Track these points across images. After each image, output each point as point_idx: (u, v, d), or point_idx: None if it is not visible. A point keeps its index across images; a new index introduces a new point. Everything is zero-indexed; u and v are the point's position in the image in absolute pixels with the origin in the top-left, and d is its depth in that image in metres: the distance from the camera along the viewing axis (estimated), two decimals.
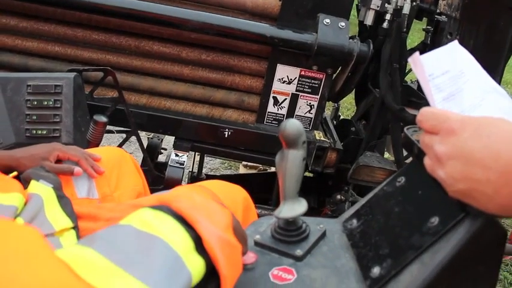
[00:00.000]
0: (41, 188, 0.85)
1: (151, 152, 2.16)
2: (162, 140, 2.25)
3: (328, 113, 2.33)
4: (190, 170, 2.34)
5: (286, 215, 0.77)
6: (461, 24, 1.15)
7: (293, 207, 0.77)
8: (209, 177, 2.37)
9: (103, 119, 1.23)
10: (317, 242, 0.79)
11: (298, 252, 0.75)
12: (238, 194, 0.98)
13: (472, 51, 1.20)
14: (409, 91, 1.68)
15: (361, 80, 1.79)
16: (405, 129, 0.78)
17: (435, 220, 0.64)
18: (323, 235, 0.80)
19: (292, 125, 0.76)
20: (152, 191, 1.61)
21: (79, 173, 0.99)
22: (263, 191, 2.36)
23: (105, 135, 1.50)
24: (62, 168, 0.98)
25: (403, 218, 0.70)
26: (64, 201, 0.84)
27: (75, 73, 1.32)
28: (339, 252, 0.76)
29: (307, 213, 2.00)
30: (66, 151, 1.01)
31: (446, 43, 1.28)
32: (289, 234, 0.78)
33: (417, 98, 1.65)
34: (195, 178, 2.29)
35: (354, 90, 1.91)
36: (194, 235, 0.55)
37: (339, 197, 1.94)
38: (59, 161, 1.01)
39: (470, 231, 0.60)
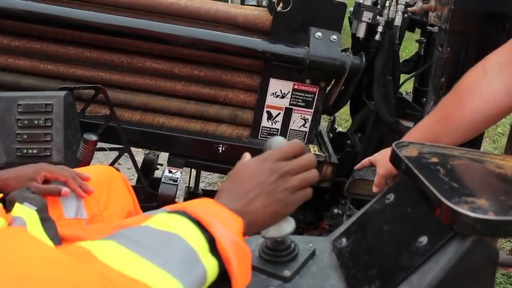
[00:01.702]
0: (24, 211, 0.83)
1: (147, 168, 2.14)
2: (158, 155, 2.24)
3: (325, 124, 2.32)
4: (187, 185, 2.33)
5: (273, 235, 0.75)
6: (451, 36, 1.14)
7: (281, 227, 0.75)
8: (206, 192, 2.35)
9: (93, 137, 1.22)
10: (306, 262, 0.77)
11: (286, 273, 0.73)
12: None
13: (464, 64, 1.20)
14: (404, 103, 1.67)
15: (356, 93, 1.78)
16: (393, 145, 0.77)
17: (424, 240, 0.62)
18: (312, 254, 0.78)
19: (278, 142, 0.74)
20: (146, 208, 1.60)
21: (66, 193, 0.98)
22: None
23: (99, 152, 1.50)
24: (49, 189, 0.96)
25: (392, 237, 0.69)
26: (48, 224, 0.83)
27: (65, 91, 1.32)
28: (327, 272, 0.74)
29: (305, 227, 1.97)
30: (53, 171, 1.00)
31: (438, 55, 1.28)
32: (277, 254, 0.76)
33: (412, 109, 1.64)
34: (192, 193, 2.28)
35: (349, 103, 1.90)
36: (208, 237, 0.57)
37: (336, 211, 1.91)
38: (47, 181, 1.00)
39: (459, 251, 0.58)
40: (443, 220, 0.57)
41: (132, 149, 1.65)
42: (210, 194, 2.37)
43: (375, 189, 1.34)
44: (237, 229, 0.61)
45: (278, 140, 0.74)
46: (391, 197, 0.74)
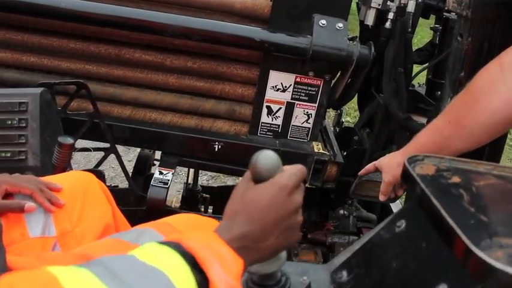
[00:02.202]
0: None
1: (142, 165, 2.03)
2: (155, 151, 2.12)
3: (332, 115, 2.17)
4: (185, 181, 2.21)
5: (260, 270, 0.63)
6: (473, 25, 0.99)
7: (271, 261, 0.63)
8: (205, 188, 2.24)
9: (69, 140, 1.10)
10: None
11: None
12: (210, 228, 0.84)
13: (486, 56, 1.06)
14: (416, 96, 1.52)
15: (364, 85, 1.64)
16: (406, 160, 0.64)
17: None
18: None
19: (265, 159, 0.62)
20: (134, 212, 1.48)
21: (31, 208, 0.86)
22: None
23: (84, 153, 1.38)
24: (9, 205, 0.85)
25: (403, 277, 0.56)
26: None
27: (42, 88, 1.19)
28: None
29: (309, 227, 1.84)
30: (16, 183, 0.88)
31: (456, 46, 1.13)
32: None
33: (425, 104, 1.49)
34: (190, 190, 2.16)
35: (356, 96, 1.76)
36: (200, 279, 0.52)
37: (342, 211, 1.79)
38: (9, 195, 0.88)
39: None
40: (471, 272, 0.45)
41: None
42: (210, 190, 2.25)
43: (381, 197, 1.22)
44: (236, 271, 0.55)
45: (267, 157, 0.62)
46: (402, 224, 0.61)
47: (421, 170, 0.62)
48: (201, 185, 2.23)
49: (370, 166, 1.24)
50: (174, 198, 2.53)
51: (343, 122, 2.08)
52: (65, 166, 1.11)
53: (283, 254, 0.65)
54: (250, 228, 0.58)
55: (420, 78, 1.60)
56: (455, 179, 0.60)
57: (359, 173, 1.29)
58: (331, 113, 2.80)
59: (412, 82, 1.63)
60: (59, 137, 1.10)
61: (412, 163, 0.64)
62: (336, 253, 1.83)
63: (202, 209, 2.19)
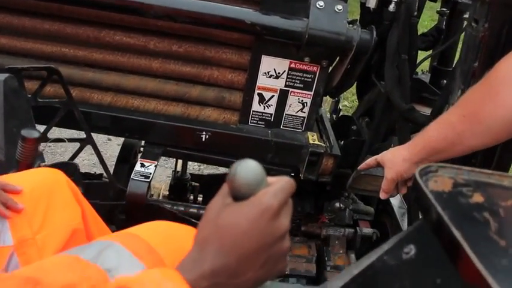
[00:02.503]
0: None
1: (127, 153, 1.92)
2: None
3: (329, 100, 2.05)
4: (174, 168, 2.10)
5: None
6: (491, 9, 0.88)
7: None
8: (194, 177, 2.14)
9: (33, 134, 0.99)
10: None
11: None
12: (185, 240, 0.74)
13: (505, 45, 0.95)
14: (420, 85, 1.41)
15: (364, 71, 1.52)
16: (417, 171, 0.53)
17: None
18: None
19: (246, 171, 0.51)
20: (114, 207, 1.38)
21: None
22: None
23: (59, 144, 1.27)
24: None
25: None
26: None
27: (7, 74, 1.07)
28: None
29: (303, 219, 1.74)
30: None
31: (470, 33, 1.02)
32: None
33: (429, 93, 1.38)
34: (178, 179, 2.06)
35: (356, 81, 1.64)
36: None
37: (337, 204, 1.69)
38: None
39: None
40: None
41: None
42: (199, 179, 2.15)
43: (382, 195, 1.12)
44: None
45: (248, 168, 0.51)
46: (411, 250, 0.51)
47: (435, 185, 0.51)
48: (190, 173, 2.13)
49: (371, 161, 1.14)
50: (163, 185, 2.43)
51: (340, 110, 1.97)
52: (30, 162, 1.00)
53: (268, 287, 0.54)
54: (224, 260, 0.47)
55: (424, 65, 1.49)
56: (477, 198, 0.49)
57: (358, 167, 1.19)
58: (327, 99, 2.68)
59: (416, 70, 1.52)
60: (22, 130, 0.99)
61: (424, 175, 0.53)
62: (331, 246, 1.75)
63: (192, 198, 2.10)
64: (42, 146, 1.21)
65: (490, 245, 0.41)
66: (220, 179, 1.92)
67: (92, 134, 1.33)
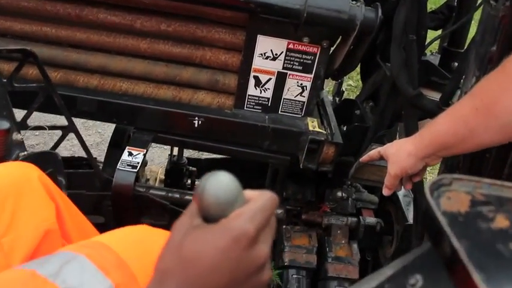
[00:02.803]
0: None
1: (119, 137, 1.83)
2: None
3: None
4: (170, 153, 2.02)
5: None
6: None
7: None
8: (191, 161, 2.06)
9: (2, 125, 0.90)
10: None
11: None
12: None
13: None
14: (428, 67, 1.30)
15: (368, 51, 1.42)
16: (427, 186, 0.44)
17: None
18: None
19: (216, 187, 0.42)
20: (102, 197, 1.30)
21: None
22: (255, 178, 2.05)
23: (42, 132, 1.18)
24: None
25: None
26: None
27: None
28: None
29: (305, 209, 1.66)
30: None
31: (489, 12, 0.91)
32: None
33: (439, 77, 1.28)
34: (175, 163, 1.98)
35: (360, 63, 1.53)
36: None
37: (339, 194, 1.61)
38: None
39: None
40: None
41: None
42: (197, 163, 2.07)
43: (385, 191, 1.04)
44: None
45: (220, 184, 0.42)
46: (417, 282, 0.42)
47: (448, 204, 0.42)
48: (187, 158, 2.05)
49: (374, 153, 1.05)
50: (159, 169, 2.36)
51: (343, 92, 1.87)
52: (1, 155, 0.92)
53: None
54: None
55: (433, 46, 1.38)
56: (501, 222, 0.40)
57: (360, 159, 1.10)
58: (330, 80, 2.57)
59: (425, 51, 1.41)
60: None
61: (435, 190, 0.44)
62: (333, 235, 1.68)
63: (189, 183, 2.02)
64: (21, 134, 1.13)
65: None
66: (218, 164, 1.83)
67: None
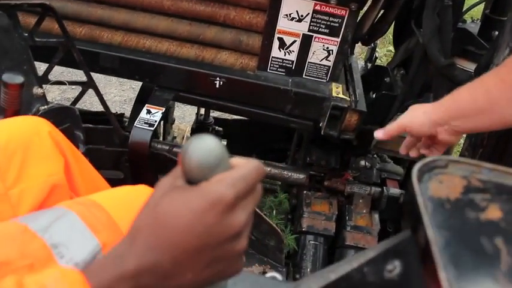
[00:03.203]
0: None
1: (146, 96, 1.84)
2: None
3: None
4: (197, 111, 2.02)
5: None
6: None
7: None
8: (218, 121, 2.05)
9: (16, 79, 0.91)
10: None
11: None
12: None
13: None
14: (465, 36, 1.21)
15: (402, 16, 1.33)
16: (416, 167, 0.40)
17: None
18: None
19: (200, 150, 0.41)
20: (120, 154, 1.32)
21: None
22: (281, 142, 2.03)
23: (62, 87, 1.20)
24: None
25: None
26: None
27: None
28: None
29: (328, 175, 1.63)
30: None
31: None
32: None
33: (476, 46, 1.18)
34: (201, 122, 1.99)
35: (392, 28, 1.45)
36: None
37: (363, 162, 1.57)
38: None
39: None
40: None
41: None
42: (223, 123, 2.07)
43: (402, 150, 0.99)
44: None
45: (204, 146, 0.41)
46: (395, 268, 0.40)
47: (438, 189, 0.38)
48: (213, 117, 2.05)
49: (392, 127, 0.99)
50: (187, 127, 2.37)
51: (376, 58, 1.78)
52: (16, 108, 0.93)
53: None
54: (154, 258, 0.38)
55: (475, 12, 1.27)
56: (494, 212, 0.37)
57: (376, 135, 1.05)
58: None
59: (464, 17, 1.31)
60: (3, 75, 0.91)
61: (426, 172, 0.40)
62: (355, 204, 1.65)
63: None
64: (42, 88, 1.15)
65: None
66: (245, 125, 1.81)
67: None
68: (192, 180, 0.42)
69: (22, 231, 0.55)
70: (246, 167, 0.42)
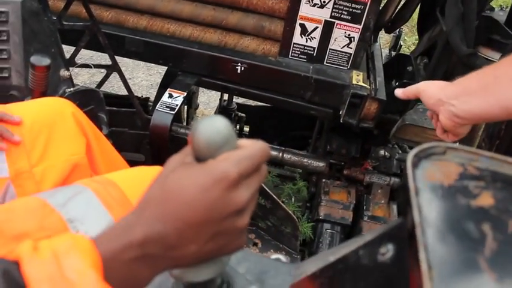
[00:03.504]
0: None
1: (170, 80, 1.88)
2: None
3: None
4: (220, 97, 2.04)
5: (183, 276, 0.47)
6: None
7: (200, 269, 0.46)
8: (241, 107, 2.07)
9: (43, 61, 0.94)
10: None
11: None
12: None
13: None
14: (491, 24, 1.18)
15: (428, 3, 1.31)
16: (412, 153, 0.41)
17: None
18: None
19: (208, 129, 0.43)
20: (142, 136, 1.35)
21: None
22: (303, 129, 2.03)
23: (91, 70, 1.24)
24: None
25: None
26: None
27: None
28: None
29: (348, 164, 1.63)
30: None
31: None
32: None
33: (502, 36, 1.16)
34: (224, 108, 2.01)
35: (417, 15, 1.43)
36: None
37: (382, 152, 1.56)
38: None
39: None
40: None
41: None
42: (246, 109, 2.09)
43: (398, 92, 0.96)
44: None
45: (212, 126, 0.43)
46: (388, 252, 0.41)
47: (434, 174, 0.39)
48: (236, 103, 2.07)
49: (411, 89, 0.93)
50: (212, 113, 2.40)
51: (401, 46, 1.76)
52: (43, 89, 0.97)
53: (220, 264, 0.47)
54: (160, 228, 0.41)
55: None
56: (486, 199, 0.37)
57: (397, 93, 0.99)
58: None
59: (493, 4, 1.28)
60: (32, 57, 0.95)
61: (424, 158, 0.41)
62: (373, 194, 1.64)
63: (237, 129, 2.05)
64: (69, 71, 1.19)
65: (470, 280, 0.30)
66: (267, 111, 1.82)
67: None
68: (200, 158, 0.44)
69: (42, 206, 0.59)
70: (251, 147, 0.44)
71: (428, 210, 0.35)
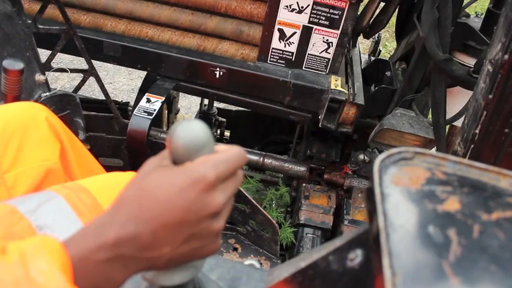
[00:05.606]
0: None
1: (149, 85, 1.86)
2: None
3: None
4: (200, 102, 2.04)
5: (155, 280, 0.46)
6: None
7: (172, 273, 0.46)
8: (221, 111, 2.07)
9: (16, 66, 0.93)
10: None
11: None
12: None
13: None
14: (466, 30, 1.20)
15: (405, 9, 1.33)
16: (379, 158, 0.41)
17: None
18: None
19: (186, 132, 0.43)
20: (120, 141, 1.34)
21: None
22: (283, 134, 2.03)
23: (71, 75, 1.22)
24: None
25: None
26: None
27: None
28: None
29: (328, 169, 1.64)
30: None
31: None
32: None
33: (477, 41, 1.18)
34: (205, 113, 2.00)
35: (395, 21, 1.45)
36: None
37: (362, 156, 1.57)
38: None
39: None
40: None
41: None
42: (227, 114, 2.08)
43: None
44: None
45: (190, 129, 0.43)
46: (357, 257, 0.41)
47: (401, 180, 0.39)
48: (217, 108, 2.06)
49: None
50: (192, 117, 2.39)
51: (380, 51, 1.77)
52: (17, 93, 0.95)
53: (193, 269, 0.47)
54: (135, 229, 0.40)
55: (480, 5, 1.26)
56: (452, 204, 0.37)
57: None
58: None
59: (468, 11, 1.30)
60: (4, 61, 0.93)
61: (392, 163, 0.41)
62: (353, 198, 1.65)
63: (218, 134, 2.04)
64: (45, 75, 1.17)
65: (434, 285, 0.30)
66: (248, 116, 1.81)
67: None
68: (177, 161, 0.44)
69: (10, 213, 0.57)
70: (228, 151, 0.44)
71: (395, 215, 0.35)
